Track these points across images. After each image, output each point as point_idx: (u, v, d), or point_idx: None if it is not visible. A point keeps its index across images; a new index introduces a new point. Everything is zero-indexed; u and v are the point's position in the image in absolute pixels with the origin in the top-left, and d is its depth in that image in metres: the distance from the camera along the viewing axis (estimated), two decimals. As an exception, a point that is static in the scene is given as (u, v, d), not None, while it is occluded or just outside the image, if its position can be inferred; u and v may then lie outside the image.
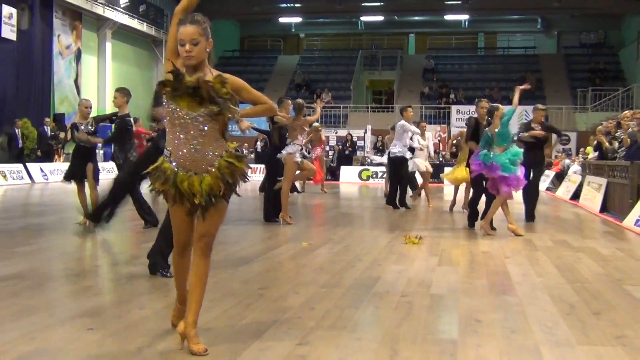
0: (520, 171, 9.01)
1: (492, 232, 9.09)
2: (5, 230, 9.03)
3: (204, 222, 3.64)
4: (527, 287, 5.63)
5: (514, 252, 7.70)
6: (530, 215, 11.12)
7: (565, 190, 17.82)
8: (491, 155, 8.96)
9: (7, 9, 22.15)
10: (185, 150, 3.54)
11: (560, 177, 20.47)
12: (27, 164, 21.15)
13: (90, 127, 9.42)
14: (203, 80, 3.51)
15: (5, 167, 20.20)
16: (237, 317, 4.41)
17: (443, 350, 3.77)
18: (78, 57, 26.44)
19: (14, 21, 22.54)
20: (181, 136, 3.55)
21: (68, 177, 9.54)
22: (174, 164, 3.57)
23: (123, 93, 9.12)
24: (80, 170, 9.39)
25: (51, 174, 20.97)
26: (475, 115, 10.66)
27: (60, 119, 24.17)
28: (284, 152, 10.03)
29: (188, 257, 3.83)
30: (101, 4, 26.68)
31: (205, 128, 3.53)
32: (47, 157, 22.39)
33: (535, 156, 11.03)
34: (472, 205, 10.06)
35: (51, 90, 24.51)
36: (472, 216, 10.00)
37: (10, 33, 22.36)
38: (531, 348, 3.86)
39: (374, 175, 25.67)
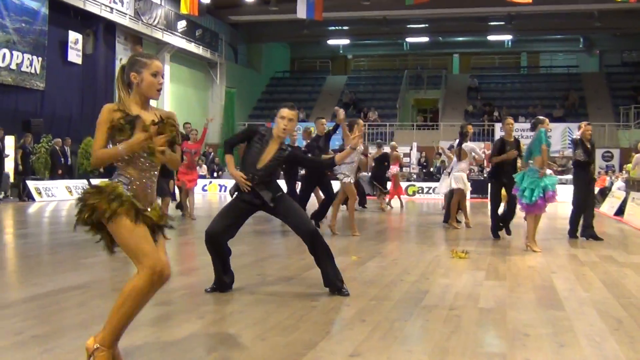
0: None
1: (538, 249, 8.84)
2: (72, 242, 9.21)
3: None
4: (574, 302, 5.51)
5: (559, 267, 7.55)
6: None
7: (609, 206, 17.43)
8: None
9: (73, 35, 22.75)
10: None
11: (603, 193, 20.03)
12: (91, 180, 21.62)
13: None
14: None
15: (71, 182, 20.71)
16: (292, 328, 4.41)
17: (493, 364, 3.72)
18: (139, 78, 26.94)
19: (79, 46, 23.12)
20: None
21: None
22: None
23: None
24: (162, 187, 9.48)
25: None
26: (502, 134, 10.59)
27: (121, 138, 24.55)
28: (340, 175, 10.41)
29: None
30: (160, 29, 27.19)
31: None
32: (108, 172, 22.77)
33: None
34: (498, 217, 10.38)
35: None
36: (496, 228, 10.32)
37: (76, 57, 22.95)
38: (580, 363, 3.78)
39: (420, 191, 25.55)
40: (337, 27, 35.58)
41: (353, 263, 7.58)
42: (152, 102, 3.76)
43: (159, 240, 3.55)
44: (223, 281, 5.58)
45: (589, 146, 10.37)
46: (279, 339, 4.15)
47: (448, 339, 4.23)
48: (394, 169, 18.42)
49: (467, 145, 11.70)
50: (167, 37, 27.82)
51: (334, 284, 5.55)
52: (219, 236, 5.42)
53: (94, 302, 5.15)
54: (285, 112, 5.46)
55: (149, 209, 3.49)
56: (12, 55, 19.88)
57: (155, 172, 3.58)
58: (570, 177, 23.49)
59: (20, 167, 19.01)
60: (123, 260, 7.66)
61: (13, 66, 19.99)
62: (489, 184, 11.18)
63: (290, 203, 5.63)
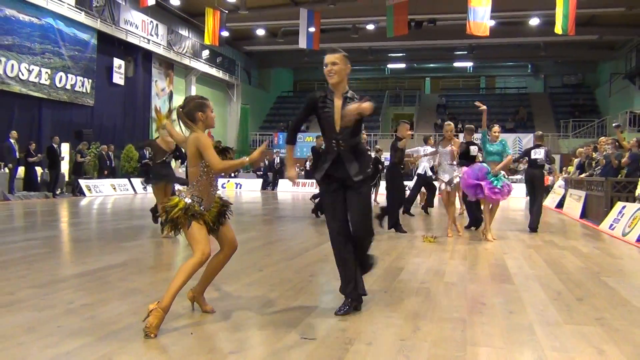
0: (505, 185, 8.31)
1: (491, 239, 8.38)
2: (115, 229, 9.20)
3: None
4: (522, 277, 5.50)
5: (510, 249, 7.54)
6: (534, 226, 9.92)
7: (551, 200, 17.44)
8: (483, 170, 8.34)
9: (117, 61, 22.73)
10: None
11: (547, 190, 20.02)
12: (131, 179, 21.60)
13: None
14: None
15: (115, 181, 20.67)
16: (292, 298, 4.40)
17: (455, 327, 3.70)
18: (170, 97, 26.91)
19: (122, 70, 23.09)
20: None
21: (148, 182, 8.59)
22: (202, 207, 3.72)
23: None
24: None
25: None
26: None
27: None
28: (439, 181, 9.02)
29: None
30: (188, 56, 27.17)
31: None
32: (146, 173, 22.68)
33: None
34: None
35: (150, 123, 25.01)
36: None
37: (119, 79, 22.93)
38: (526, 326, 3.77)
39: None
40: (331, 56, 35.53)
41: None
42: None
43: (225, 221, 3.88)
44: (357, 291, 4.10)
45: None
46: (281, 307, 4.13)
47: (419, 307, 4.21)
48: None
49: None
50: (194, 63, 27.81)
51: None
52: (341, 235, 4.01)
53: (131, 278, 5.13)
54: (325, 58, 4.16)
55: (212, 204, 3.80)
56: (67, 77, 19.84)
57: (217, 176, 3.82)
58: (520, 176, 23.57)
59: (89, 165, 19.86)
60: (157, 243, 7.67)
61: (68, 86, 19.95)
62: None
63: (365, 196, 3.99)
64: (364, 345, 3.29)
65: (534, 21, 25.07)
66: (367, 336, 3.45)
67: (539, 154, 9.79)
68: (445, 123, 9.07)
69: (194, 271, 3.59)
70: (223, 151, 3.77)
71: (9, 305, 4.03)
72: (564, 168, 22.71)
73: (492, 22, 21.59)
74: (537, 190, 9.92)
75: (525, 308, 4.25)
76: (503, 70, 38.84)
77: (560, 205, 15.57)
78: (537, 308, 4.26)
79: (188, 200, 3.67)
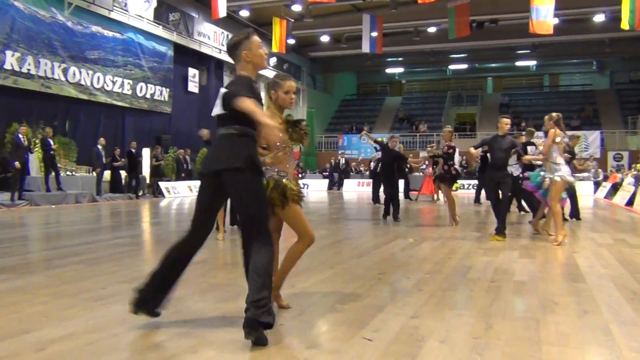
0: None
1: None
2: (193, 228, 9.43)
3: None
4: (594, 276, 5.25)
5: (580, 247, 7.22)
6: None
7: (620, 198, 16.58)
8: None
9: (192, 71, 23.42)
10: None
11: (615, 187, 19.08)
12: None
13: None
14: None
15: (192, 183, 21.23)
16: (364, 295, 4.37)
17: (528, 326, 3.57)
18: (240, 103, 27.45)
19: (196, 79, 23.76)
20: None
21: None
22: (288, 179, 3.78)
23: None
24: None
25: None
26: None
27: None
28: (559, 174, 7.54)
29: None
30: (257, 64, 27.62)
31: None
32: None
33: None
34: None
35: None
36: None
37: (194, 88, 23.60)
38: (602, 326, 3.58)
39: (462, 187, 24.97)
40: (393, 59, 35.25)
41: (411, 244, 7.48)
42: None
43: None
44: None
45: None
46: (353, 304, 4.11)
47: (490, 305, 4.09)
48: (430, 169, 18.02)
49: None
50: (262, 70, 28.17)
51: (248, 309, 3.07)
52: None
53: (211, 273, 5.25)
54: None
55: (293, 179, 3.80)
56: (147, 87, 20.62)
57: (291, 151, 3.82)
58: (587, 174, 22.60)
59: (167, 168, 20.79)
60: (232, 241, 7.81)
61: (148, 96, 20.73)
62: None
63: (248, 186, 3.21)
64: (437, 342, 3.22)
65: (599, 17, 23.95)
66: (440, 334, 3.38)
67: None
68: (546, 117, 7.79)
69: (300, 256, 3.85)
70: (294, 123, 3.80)
71: (103, 299, 4.21)
72: (633, 165, 21.55)
73: (556, 20, 20.77)
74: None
75: (600, 308, 4.04)
76: (567, 67, 37.25)
77: (630, 202, 14.79)
78: (613, 308, 4.04)
79: (275, 177, 3.69)
